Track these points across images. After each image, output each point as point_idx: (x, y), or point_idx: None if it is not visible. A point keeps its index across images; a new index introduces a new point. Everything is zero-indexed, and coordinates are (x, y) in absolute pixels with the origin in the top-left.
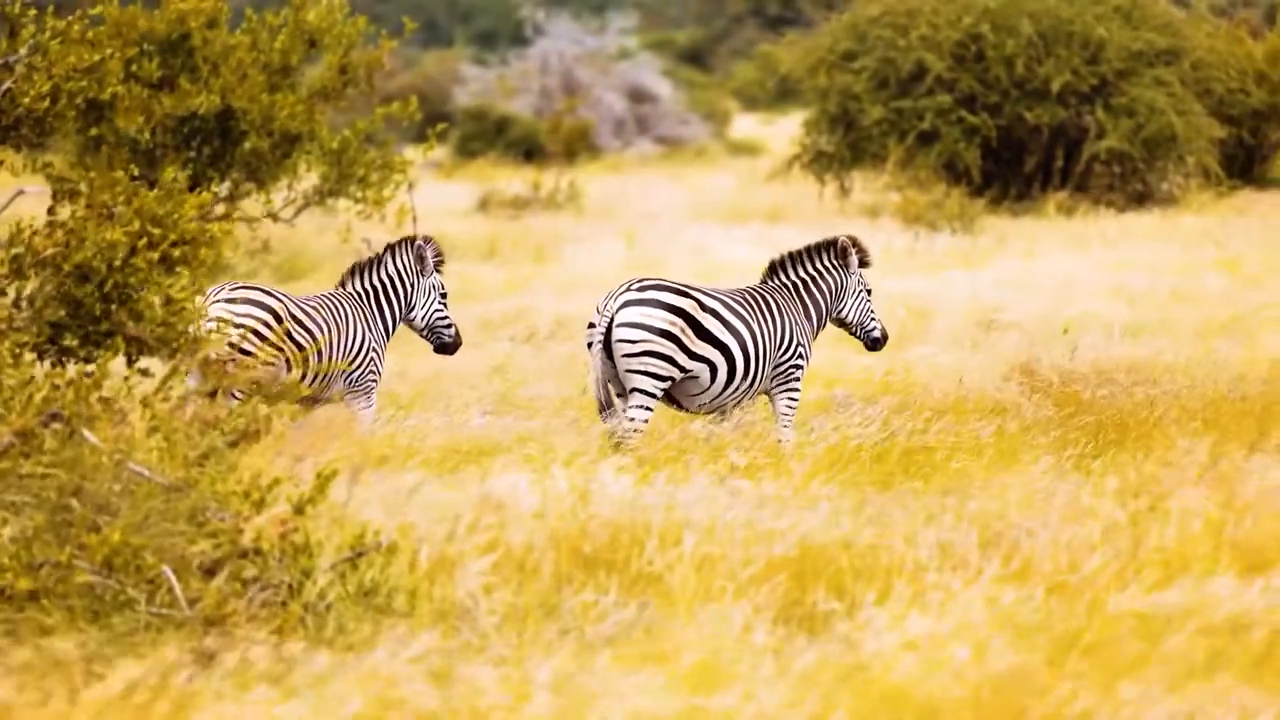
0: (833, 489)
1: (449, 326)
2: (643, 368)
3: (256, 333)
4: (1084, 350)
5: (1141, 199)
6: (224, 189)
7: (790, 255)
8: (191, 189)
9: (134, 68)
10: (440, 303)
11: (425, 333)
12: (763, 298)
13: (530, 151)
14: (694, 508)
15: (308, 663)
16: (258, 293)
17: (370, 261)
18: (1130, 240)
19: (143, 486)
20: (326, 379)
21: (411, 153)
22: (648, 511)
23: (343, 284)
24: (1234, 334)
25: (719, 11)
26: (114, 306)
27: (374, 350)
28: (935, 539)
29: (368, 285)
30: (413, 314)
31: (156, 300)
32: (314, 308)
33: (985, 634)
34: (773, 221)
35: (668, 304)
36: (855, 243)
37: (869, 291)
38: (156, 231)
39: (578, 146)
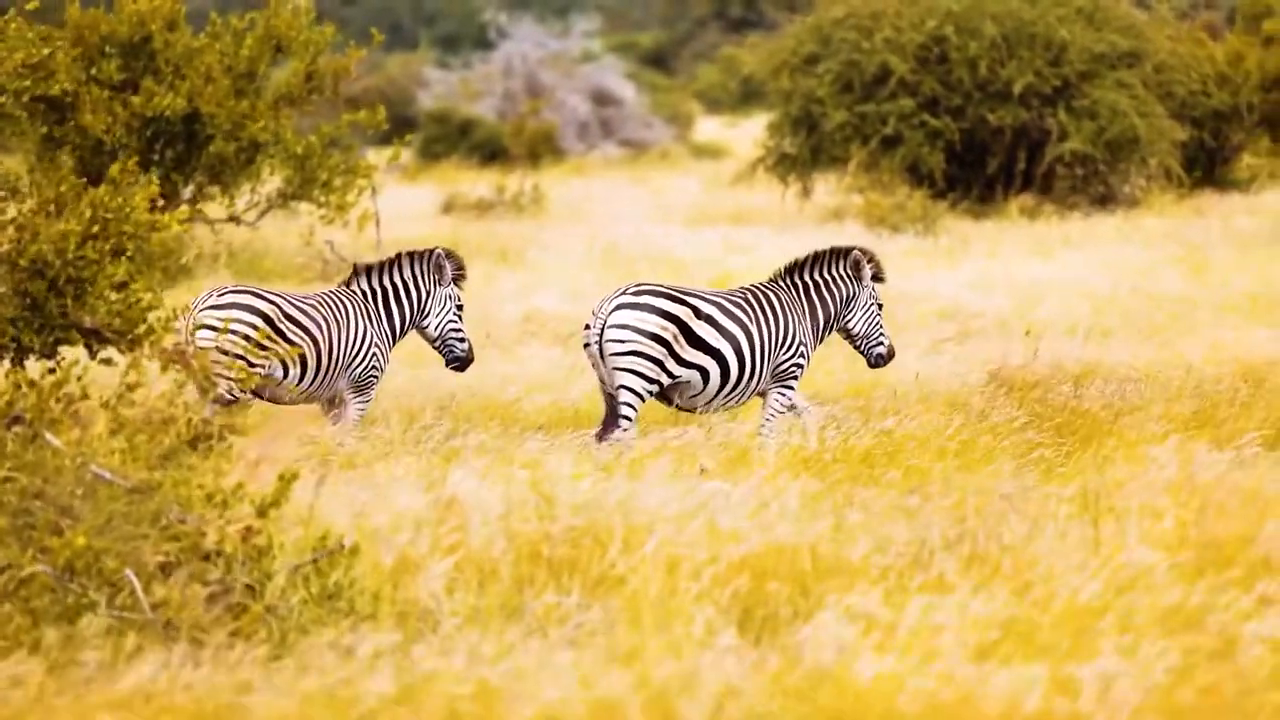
0: (797, 490)
1: (462, 340)
2: (629, 366)
3: (246, 337)
4: (1048, 351)
5: (1104, 201)
6: (188, 192)
7: (804, 259)
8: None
9: (95, 70)
10: (455, 315)
11: (438, 344)
12: (766, 296)
13: (494, 154)
14: (658, 510)
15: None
16: (249, 296)
17: (384, 263)
18: (1093, 242)
19: (105, 489)
20: (328, 377)
21: (375, 156)
22: (611, 513)
23: (348, 281)
24: (1196, 334)
25: (682, 14)
26: (69, 301)
27: (377, 348)
28: (898, 539)
29: (376, 285)
30: (426, 322)
31: (108, 290)
32: (313, 306)
33: (947, 635)
34: (736, 224)
35: (661, 309)
36: (869, 256)
37: (880, 306)
38: (109, 220)
39: (541, 149)
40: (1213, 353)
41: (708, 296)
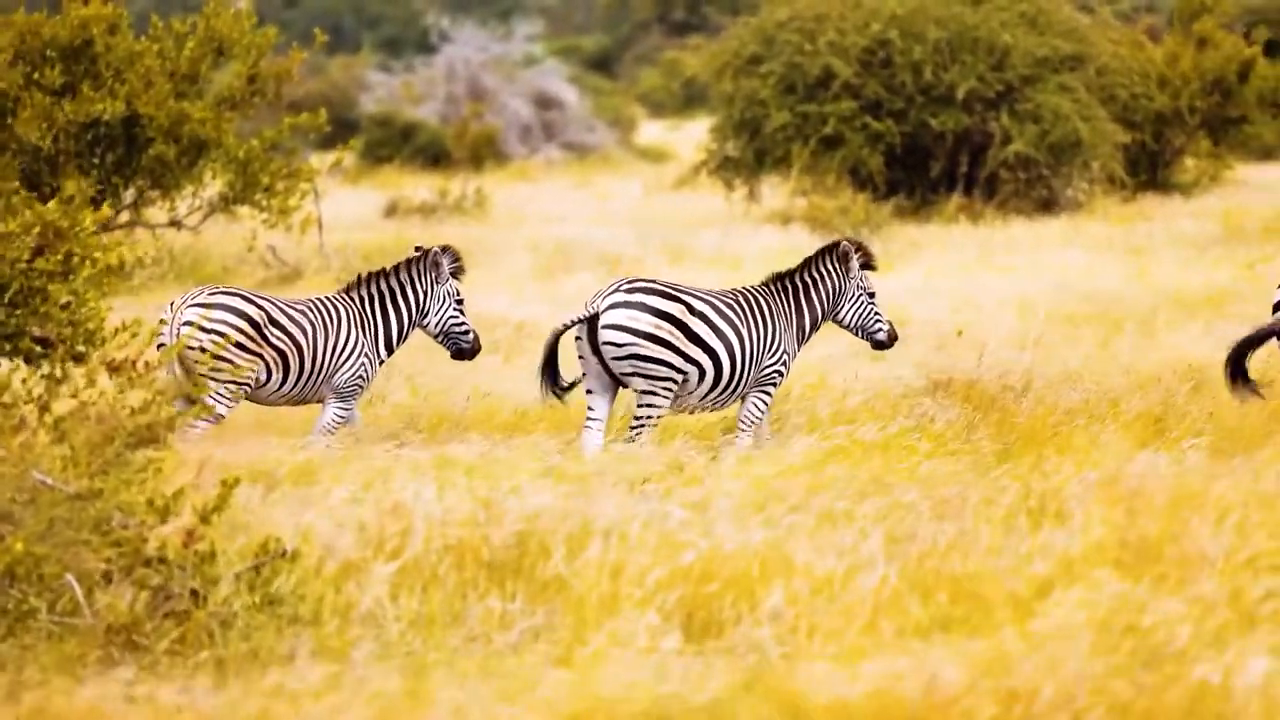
0: (740, 495)
1: (466, 333)
2: (635, 370)
3: (231, 340)
4: (990, 354)
5: (1047, 205)
6: (129, 195)
7: (794, 266)
8: (96, 197)
9: (36, 75)
10: (456, 309)
11: (441, 338)
12: (755, 301)
13: (437, 158)
14: (602, 516)
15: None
16: (235, 298)
17: (382, 270)
18: (1036, 246)
19: (46, 495)
20: (311, 382)
21: (318, 160)
22: (555, 519)
23: (348, 288)
24: (1139, 337)
25: (624, 18)
26: (19, 311)
27: (365, 357)
28: (840, 542)
29: (375, 291)
30: (426, 321)
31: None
32: (300, 311)
33: (889, 635)
34: (681, 229)
35: (654, 308)
36: (857, 246)
37: (871, 295)
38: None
39: (484, 153)
40: (1156, 355)
41: (700, 294)
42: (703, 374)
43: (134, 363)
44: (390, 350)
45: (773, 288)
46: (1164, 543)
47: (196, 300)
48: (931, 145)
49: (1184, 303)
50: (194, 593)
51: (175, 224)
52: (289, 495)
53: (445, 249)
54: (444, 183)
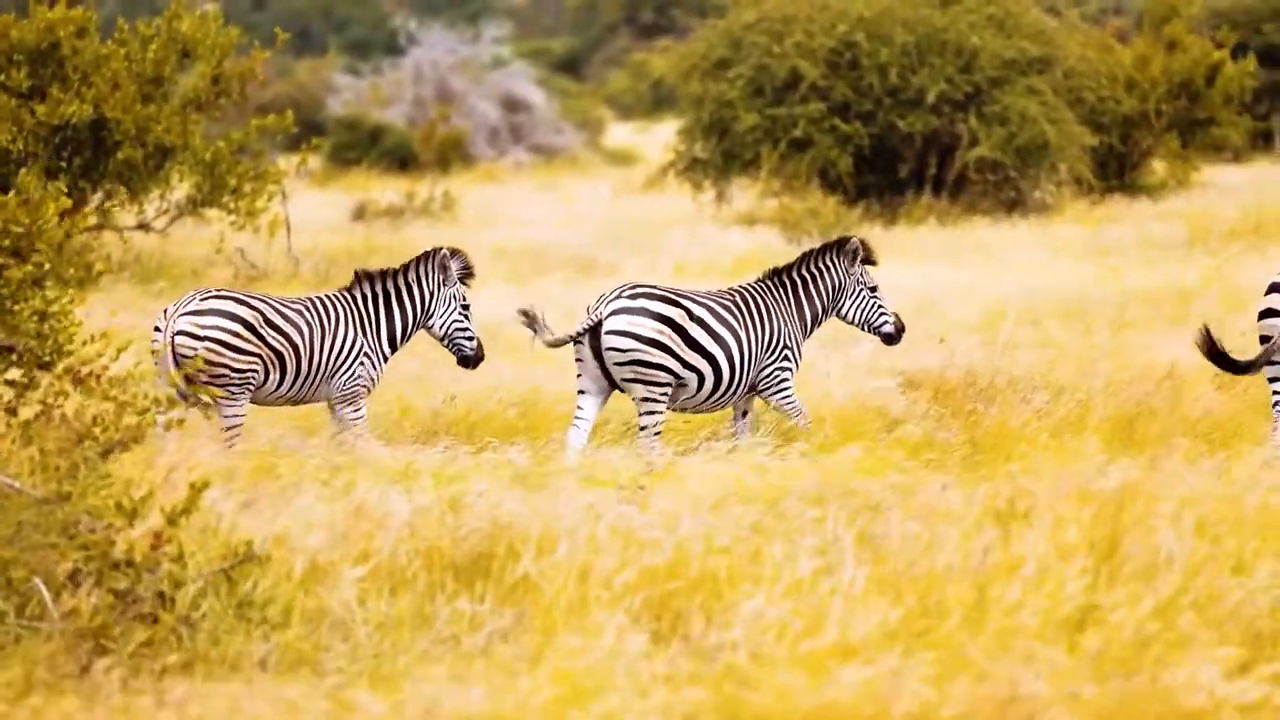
0: (711, 496)
1: (470, 339)
2: (636, 376)
3: (226, 343)
4: (960, 358)
5: (1015, 207)
6: (97, 199)
7: (794, 260)
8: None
9: (3, 77)
10: (461, 313)
11: (445, 343)
12: (752, 298)
13: (404, 161)
14: (570, 517)
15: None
16: (229, 302)
17: (386, 269)
18: (1005, 248)
19: (14, 499)
20: (310, 381)
21: (285, 163)
22: (523, 521)
23: (350, 286)
24: (1109, 340)
25: (592, 20)
26: None
27: (365, 356)
28: (808, 544)
29: (379, 289)
30: (431, 323)
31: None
32: (297, 311)
33: (858, 639)
34: (650, 232)
35: (656, 313)
36: (860, 242)
37: (873, 289)
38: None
39: (452, 156)
40: (1125, 357)
41: (699, 299)
42: (701, 380)
43: (98, 376)
44: (393, 349)
45: (770, 284)
46: (1130, 543)
47: (189, 308)
48: (900, 147)
49: (1152, 304)
50: (162, 596)
51: (143, 227)
52: (257, 497)
53: (455, 252)
54: (411, 185)
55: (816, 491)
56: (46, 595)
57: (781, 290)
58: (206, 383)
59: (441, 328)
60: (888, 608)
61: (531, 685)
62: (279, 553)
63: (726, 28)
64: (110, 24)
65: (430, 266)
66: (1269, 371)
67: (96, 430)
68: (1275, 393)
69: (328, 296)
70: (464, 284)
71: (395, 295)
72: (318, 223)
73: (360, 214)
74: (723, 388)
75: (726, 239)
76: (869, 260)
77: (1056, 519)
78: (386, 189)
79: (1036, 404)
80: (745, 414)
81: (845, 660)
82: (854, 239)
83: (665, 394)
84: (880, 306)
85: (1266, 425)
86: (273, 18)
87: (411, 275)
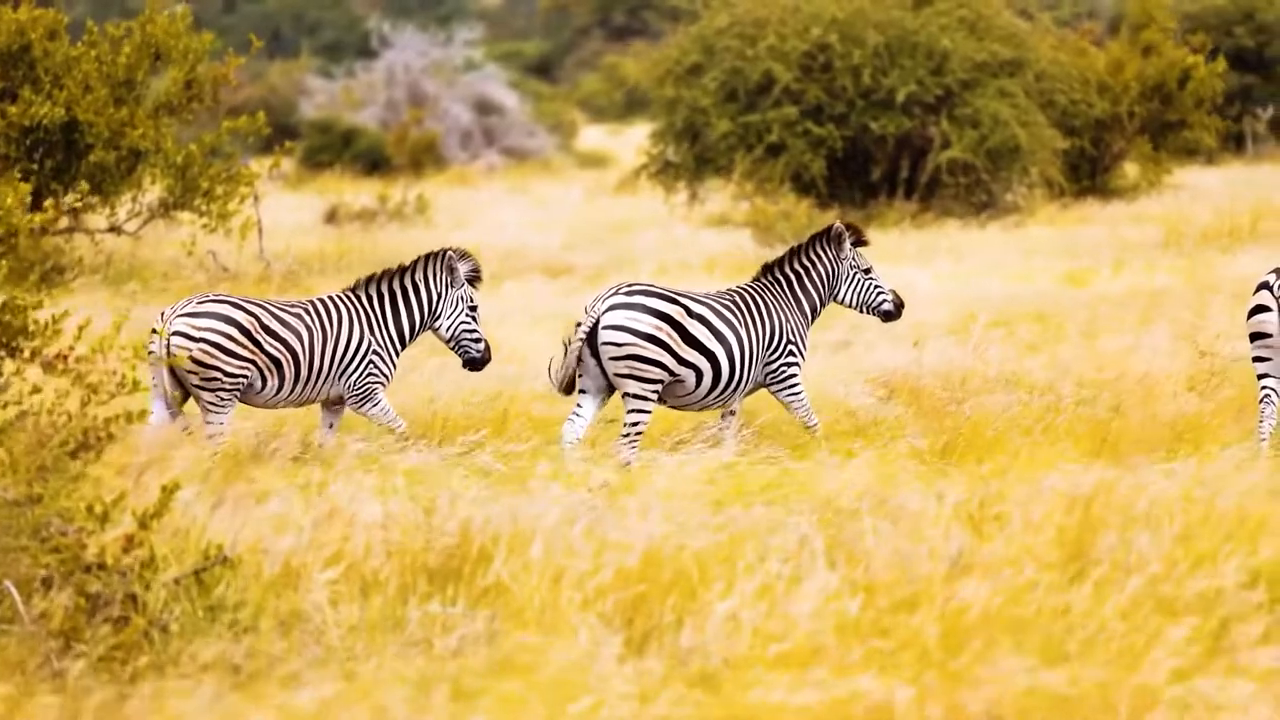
0: (683, 499)
1: (477, 341)
2: (630, 372)
3: (220, 346)
4: (933, 360)
5: (986, 209)
6: (68, 201)
7: (784, 254)
8: (35, 201)
9: None
10: (468, 316)
11: (452, 344)
12: (752, 297)
13: (376, 164)
14: (542, 519)
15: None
16: (225, 305)
17: (392, 270)
18: (978, 250)
19: None
20: (312, 385)
21: (257, 165)
22: (495, 523)
23: (354, 287)
24: (1080, 343)
25: (565, 23)
26: None
27: (374, 354)
28: (781, 547)
29: (385, 290)
30: (438, 325)
31: None
32: (296, 316)
33: (830, 641)
34: (622, 234)
35: (654, 309)
36: (848, 226)
37: (867, 270)
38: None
39: (424, 158)
40: (1099, 362)
41: (698, 297)
42: (700, 377)
43: (65, 357)
44: (402, 347)
45: (766, 281)
46: (1101, 546)
47: (184, 310)
48: (872, 149)
49: (1124, 306)
50: (133, 599)
51: (115, 229)
52: (229, 499)
53: (463, 254)
54: (384, 189)
55: (788, 494)
56: (18, 598)
57: (778, 286)
58: (197, 386)
59: (448, 330)
60: (860, 610)
61: (504, 689)
62: (250, 555)
63: (699, 33)
64: (80, 26)
65: (437, 268)
66: (1257, 368)
67: (66, 422)
68: (1263, 388)
69: (332, 298)
70: (472, 286)
71: (402, 295)
72: (290, 225)
73: (332, 217)
74: (722, 385)
75: (699, 241)
76: (859, 242)
77: (1027, 521)
78: (359, 192)
79: (1009, 407)
80: (732, 412)
81: (816, 662)
82: (837, 224)
83: (656, 392)
84: (877, 286)
85: (1237, 426)
86: (244, 21)
87: (418, 275)
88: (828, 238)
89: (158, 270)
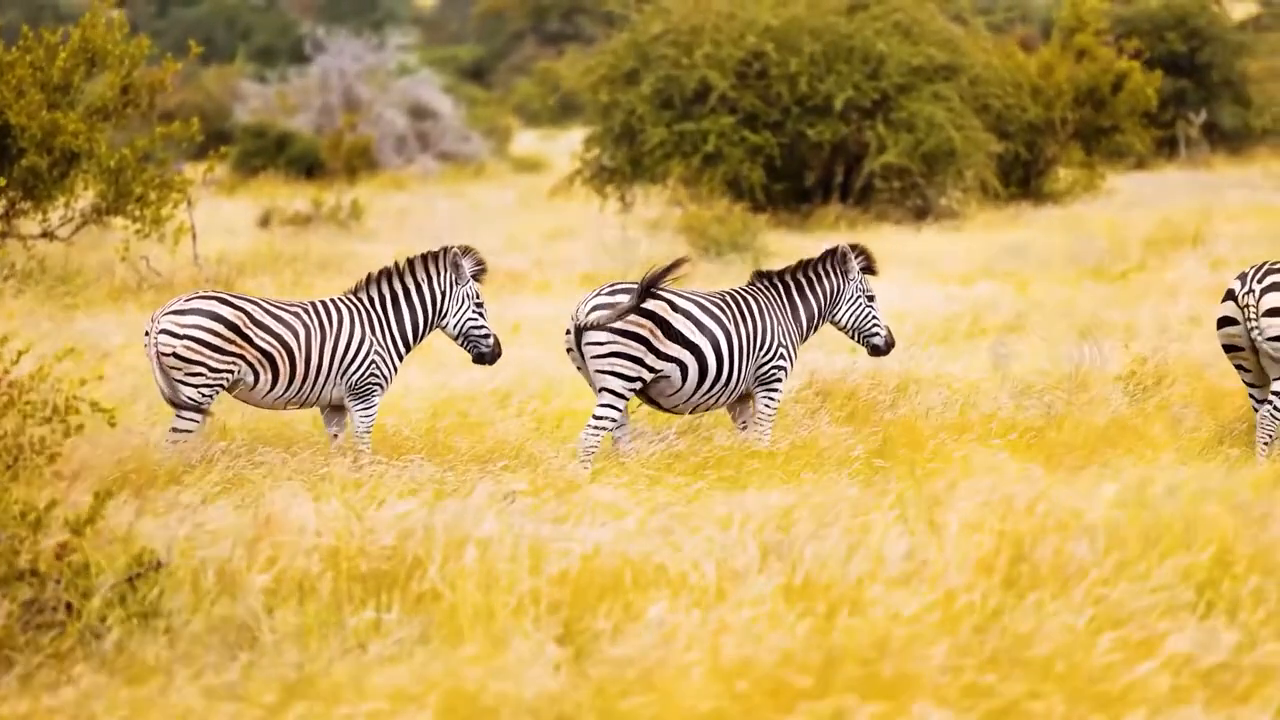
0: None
1: (486, 336)
2: (610, 368)
3: (204, 341)
4: (868, 364)
5: (922, 213)
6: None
7: (789, 264)
8: None
9: None
10: (475, 312)
11: (460, 341)
12: (745, 299)
13: (311, 168)
14: (477, 526)
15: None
16: (212, 301)
17: (394, 268)
18: (910, 254)
19: None
20: (310, 383)
21: (191, 170)
22: (430, 530)
23: (356, 288)
24: (1017, 347)
25: (499, 28)
26: None
27: (376, 355)
28: (717, 552)
29: (386, 290)
30: (445, 322)
31: None
32: (294, 313)
33: (764, 649)
34: (554, 239)
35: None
36: (858, 249)
37: (870, 298)
38: None
39: (359, 163)
40: (1035, 364)
41: (684, 294)
42: (685, 372)
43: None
44: (407, 348)
45: (760, 285)
46: (1037, 551)
47: (173, 308)
48: (807, 155)
49: (1059, 311)
50: (68, 606)
51: (47, 235)
52: (163, 506)
53: (466, 250)
54: (319, 193)
55: (724, 500)
56: None
57: (774, 292)
58: (181, 381)
59: (456, 326)
60: (796, 617)
61: (439, 694)
62: (186, 561)
63: (633, 39)
64: (13, 31)
65: (441, 265)
66: (1241, 376)
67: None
68: (1251, 396)
69: (333, 299)
70: (477, 281)
71: (404, 294)
72: (224, 230)
73: (266, 221)
74: (709, 382)
75: (633, 246)
76: (870, 270)
77: (963, 526)
78: (294, 197)
79: (945, 412)
80: (744, 425)
81: (750, 670)
82: (844, 245)
83: (631, 390)
84: (875, 317)
85: (1172, 434)
86: (177, 25)
87: (420, 274)
88: (835, 257)
89: (91, 276)
